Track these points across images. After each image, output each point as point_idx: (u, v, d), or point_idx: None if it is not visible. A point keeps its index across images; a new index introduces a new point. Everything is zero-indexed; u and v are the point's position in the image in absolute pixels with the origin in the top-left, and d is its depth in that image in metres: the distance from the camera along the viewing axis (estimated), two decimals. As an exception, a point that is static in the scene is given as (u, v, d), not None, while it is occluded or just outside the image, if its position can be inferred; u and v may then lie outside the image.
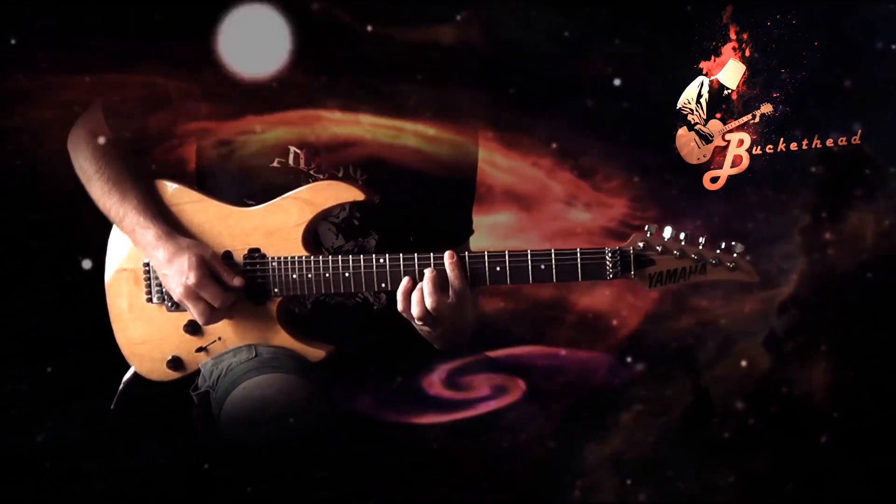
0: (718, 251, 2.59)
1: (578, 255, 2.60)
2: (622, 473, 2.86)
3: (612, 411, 2.94)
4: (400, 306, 2.66)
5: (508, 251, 2.62)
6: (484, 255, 2.63)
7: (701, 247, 2.59)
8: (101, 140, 2.79)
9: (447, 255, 2.63)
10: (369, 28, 2.70)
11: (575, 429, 2.84)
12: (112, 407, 2.89)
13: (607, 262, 2.59)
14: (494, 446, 2.73)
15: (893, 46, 2.85)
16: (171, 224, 2.75)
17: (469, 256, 2.64)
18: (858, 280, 3.00)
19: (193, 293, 2.68)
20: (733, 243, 2.58)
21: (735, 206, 2.90)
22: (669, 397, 3.00)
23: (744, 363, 3.03)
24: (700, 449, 2.96)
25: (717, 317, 3.06)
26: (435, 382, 2.78)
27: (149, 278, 2.81)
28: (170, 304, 2.80)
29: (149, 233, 2.73)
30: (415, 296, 2.64)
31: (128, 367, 2.87)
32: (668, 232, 2.59)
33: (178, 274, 2.69)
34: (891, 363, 3.03)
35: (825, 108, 2.69)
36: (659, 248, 2.59)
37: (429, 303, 2.62)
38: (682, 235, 2.59)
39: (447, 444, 2.71)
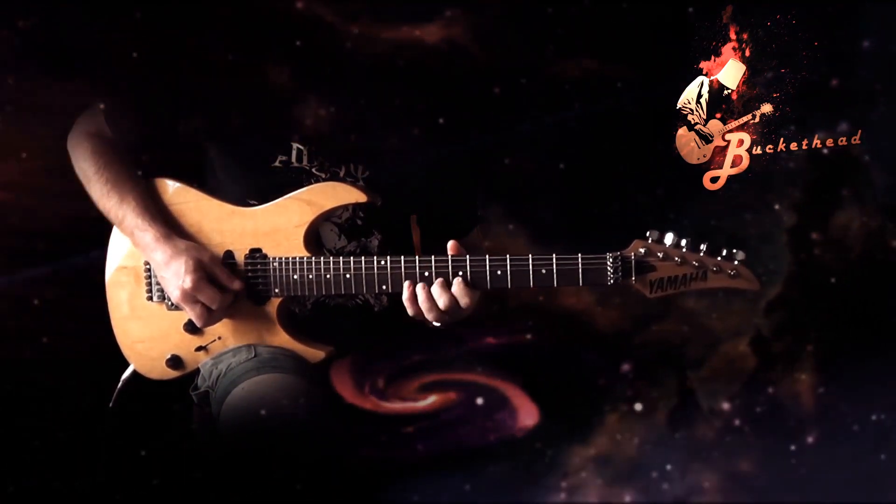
0: (720, 258, 2.57)
1: (580, 260, 2.59)
2: (607, 474, 2.85)
3: (597, 412, 2.93)
4: (410, 311, 2.66)
5: (510, 255, 2.63)
6: (485, 259, 2.63)
7: (702, 254, 2.57)
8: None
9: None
10: (354, 28, 2.70)
11: (560, 429, 2.83)
12: (111, 405, 2.88)
13: (608, 268, 2.58)
14: (479, 447, 2.72)
15: (881, 46, 2.86)
16: (170, 224, 2.74)
17: (470, 260, 2.63)
18: (845, 280, 3.00)
19: (190, 296, 2.67)
20: (735, 251, 2.56)
21: (722, 206, 2.90)
22: (655, 398, 3.00)
23: (730, 364, 3.03)
24: (685, 450, 2.95)
25: (704, 317, 3.06)
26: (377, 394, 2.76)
27: (149, 277, 2.79)
28: (169, 302, 2.78)
29: (147, 235, 2.71)
30: (424, 304, 2.64)
31: (127, 364, 2.86)
32: (669, 238, 2.58)
33: (175, 277, 2.68)
34: (877, 364, 3.03)
35: (825, 108, 2.68)
36: (660, 255, 2.58)
37: (441, 303, 2.62)
38: (683, 242, 2.58)
39: (432, 445, 2.71)
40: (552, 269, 2.60)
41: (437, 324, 2.67)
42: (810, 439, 2.97)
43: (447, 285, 2.62)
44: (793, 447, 2.97)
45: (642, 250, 2.59)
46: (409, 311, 2.66)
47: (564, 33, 2.99)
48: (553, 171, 3.25)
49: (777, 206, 2.99)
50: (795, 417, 3.00)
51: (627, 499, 2.84)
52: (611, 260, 2.58)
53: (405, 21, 2.73)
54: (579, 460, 2.84)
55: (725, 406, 3.00)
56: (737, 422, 2.98)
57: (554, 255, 2.60)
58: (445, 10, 2.76)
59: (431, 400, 2.75)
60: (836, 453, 2.97)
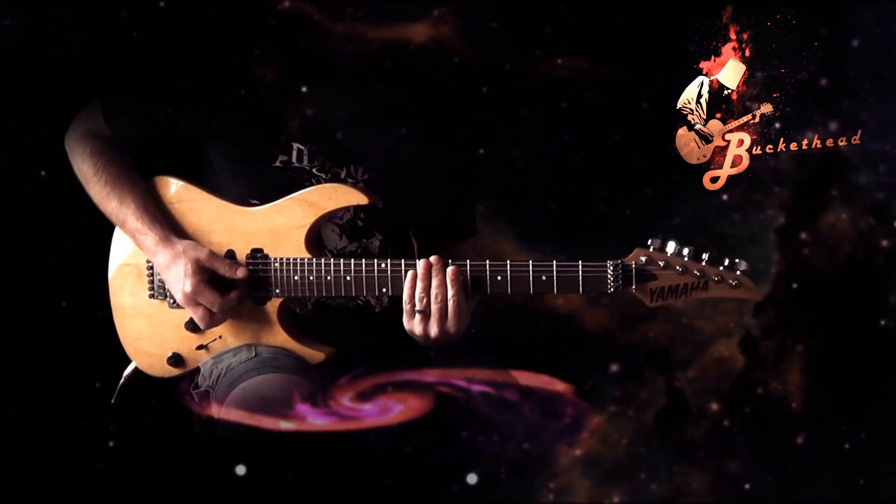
0: (721, 268, 2.54)
1: (580, 267, 2.58)
2: (595, 475, 2.85)
3: (585, 412, 2.92)
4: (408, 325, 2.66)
5: (510, 261, 2.62)
6: (485, 264, 2.62)
7: (704, 263, 2.56)
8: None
9: (448, 269, 2.62)
10: (340, 27, 2.69)
11: (548, 430, 2.82)
12: (112, 401, 2.88)
13: (609, 276, 2.57)
14: (467, 448, 2.71)
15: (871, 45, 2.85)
16: (171, 224, 2.74)
17: (470, 264, 2.63)
18: (834, 280, 3.00)
19: (192, 300, 2.67)
20: (737, 260, 2.54)
21: (711, 206, 2.90)
22: (644, 398, 3.00)
23: (719, 364, 3.02)
24: (674, 450, 2.95)
25: (692, 317, 3.05)
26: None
27: (151, 274, 2.79)
28: (171, 300, 2.77)
29: (147, 238, 2.71)
30: (420, 293, 2.62)
31: (129, 361, 2.86)
32: (671, 247, 2.56)
33: (176, 281, 2.67)
34: (866, 364, 3.03)
35: (820, 107, 2.68)
36: (661, 263, 2.56)
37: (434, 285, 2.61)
38: (685, 251, 2.55)
39: (419, 445, 2.70)
40: (552, 276, 2.59)
41: (432, 331, 2.67)
42: (799, 440, 2.97)
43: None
44: (782, 448, 2.97)
45: (643, 258, 2.57)
46: (407, 325, 2.66)
47: (553, 32, 2.99)
48: (542, 170, 3.25)
49: (765, 207, 2.99)
50: (784, 418, 3.00)
51: (616, 500, 2.83)
52: (611, 268, 2.57)
53: (393, 20, 2.72)
54: (567, 461, 2.83)
55: (714, 406, 3.00)
56: (725, 422, 2.98)
57: (554, 262, 2.59)
58: (433, 10, 2.75)
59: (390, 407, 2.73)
60: (825, 453, 2.97)
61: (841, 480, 2.95)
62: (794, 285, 2.99)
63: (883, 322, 3.02)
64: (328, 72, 2.75)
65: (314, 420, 2.62)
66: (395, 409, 2.68)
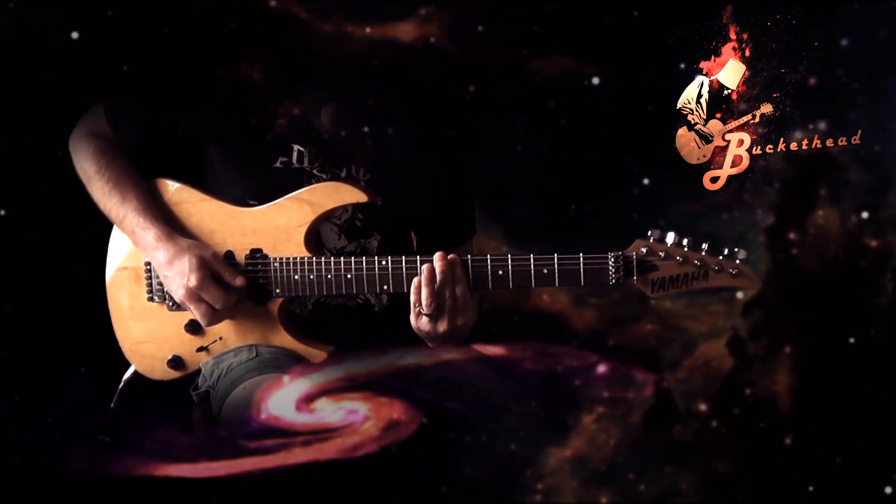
0: (721, 257, 2.59)
1: (581, 259, 2.59)
2: (583, 476, 2.84)
3: (573, 413, 2.92)
4: (413, 297, 2.64)
5: (511, 255, 2.61)
6: (486, 259, 2.62)
7: (703, 253, 2.59)
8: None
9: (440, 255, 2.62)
10: (327, 26, 2.69)
11: (536, 430, 2.82)
12: (112, 405, 2.87)
13: (610, 268, 2.59)
14: (455, 448, 2.71)
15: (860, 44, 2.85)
16: (172, 224, 2.73)
17: (472, 259, 2.63)
18: (823, 281, 2.99)
19: (195, 295, 2.66)
20: (736, 249, 2.58)
21: (700, 206, 2.89)
22: (632, 399, 2.99)
23: (707, 365, 3.02)
24: (662, 451, 2.94)
25: (680, 318, 3.05)
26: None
27: (150, 277, 2.78)
28: (171, 303, 2.77)
29: (149, 234, 2.70)
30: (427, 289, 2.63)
31: (128, 365, 2.87)
32: (670, 237, 2.59)
33: (178, 276, 2.67)
34: (855, 364, 3.02)
35: (825, 108, 2.68)
36: (662, 254, 2.59)
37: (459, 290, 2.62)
38: (684, 241, 2.60)
39: (407, 446, 2.69)
40: (554, 269, 2.60)
41: (440, 328, 2.66)
42: (788, 441, 2.97)
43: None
44: (770, 449, 2.96)
45: (644, 249, 2.59)
46: (414, 324, 2.66)
47: (541, 31, 2.98)
48: (531, 170, 3.25)
49: (754, 206, 2.98)
50: (773, 419, 2.99)
51: (604, 500, 2.83)
52: (612, 259, 2.59)
53: (379, 19, 2.72)
54: (555, 462, 2.83)
55: (702, 407, 2.99)
56: (714, 423, 2.97)
57: (556, 255, 2.60)
58: (420, 8, 2.75)
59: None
60: (814, 455, 2.97)
61: (830, 481, 2.95)
62: (783, 285, 2.98)
63: (857, 335, 3.03)
64: (317, 71, 2.75)
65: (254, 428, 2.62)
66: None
